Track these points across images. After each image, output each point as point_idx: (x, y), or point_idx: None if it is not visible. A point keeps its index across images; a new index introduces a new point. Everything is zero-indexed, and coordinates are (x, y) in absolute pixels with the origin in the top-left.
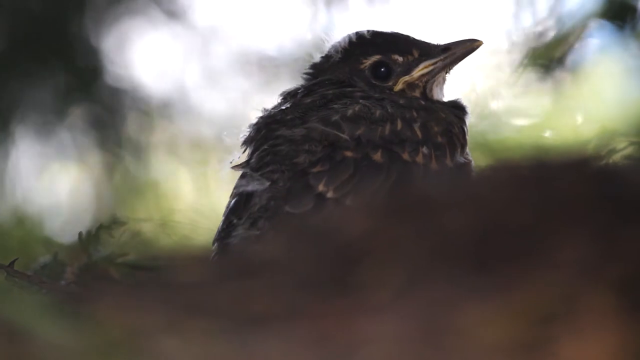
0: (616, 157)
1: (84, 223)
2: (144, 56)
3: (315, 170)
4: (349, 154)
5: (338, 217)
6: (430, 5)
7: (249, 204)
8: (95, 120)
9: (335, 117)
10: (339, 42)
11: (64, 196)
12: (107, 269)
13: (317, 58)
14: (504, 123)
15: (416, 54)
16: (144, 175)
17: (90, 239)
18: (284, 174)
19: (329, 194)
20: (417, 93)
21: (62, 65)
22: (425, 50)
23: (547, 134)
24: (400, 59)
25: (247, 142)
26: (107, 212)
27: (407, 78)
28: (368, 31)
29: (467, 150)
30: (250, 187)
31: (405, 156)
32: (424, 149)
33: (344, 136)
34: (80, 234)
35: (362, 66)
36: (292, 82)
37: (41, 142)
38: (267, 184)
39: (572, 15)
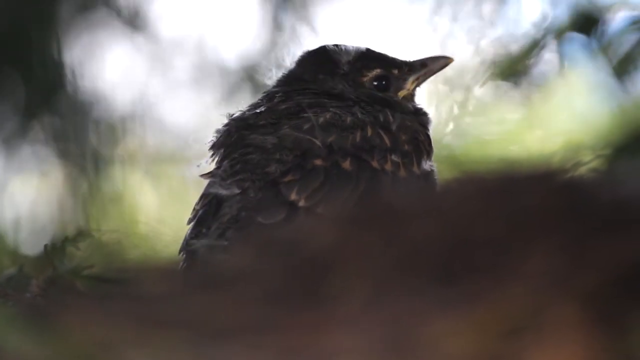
0: (582, 170)
1: (49, 236)
2: (107, 69)
3: (286, 179)
4: (319, 162)
5: (306, 229)
6: (395, 17)
7: (219, 213)
8: (59, 133)
9: (307, 125)
10: (344, 53)
11: (29, 209)
12: (72, 281)
13: (290, 65)
14: (470, 136)
15: (405, 69)
16: (108, 187)
17: (55, 251)
18: (255, 184)
19: (301, 203)
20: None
21: (24, 78)
22: (410, 65)
23: (514, 146)
24: (397, 72)
25: (216, 147)
26: (72, 224)
27: (405, 92)
28: (366, 48)
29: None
30: (220, 190)
31: (375, 164)
32: (393, 157)
33: (317, 142)
34: (45, 246)
35: (364, 79)
36: (254, 93)
37: (4, 155)
38: (237, 191)
39: (539, 28)
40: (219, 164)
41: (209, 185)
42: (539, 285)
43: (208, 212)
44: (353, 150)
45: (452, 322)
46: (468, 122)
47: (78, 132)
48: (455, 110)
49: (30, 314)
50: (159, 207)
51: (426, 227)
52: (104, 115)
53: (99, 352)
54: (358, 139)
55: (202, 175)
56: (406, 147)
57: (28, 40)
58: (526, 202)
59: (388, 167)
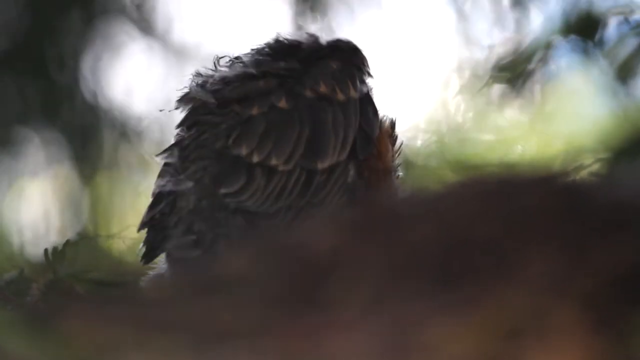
0: (583, 173)
1: (53, 239)
2: (120, 74)
3: (232, 140)
4: (255, 111)
5: (305, 233)
6: (398, 19)
7: (176, 208)
8: (70, 136)
9: (239, 69)
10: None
11: (31, 212)
12: (73, 285)
13: None
14: (471, 139)
15: None
16: (116, 192)
17: (56, 255)
18: (207, 170)
19: (254, 158)
20: None
21: (38, 81)
22: None
23: (515, 149)
24: None
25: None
26: (77, 229)
27: None
28: None
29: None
30: (170, 187)
31: (308, 92)
32: (325, 80)
33: (251, 70)
34: (45, 250)
35: None
36: None
37: (12, 157)
38: (191, 184)
39: (540, 30)
40: (179, 143)
41: (160, 175)
42: (539, 287)
43: (159, 199)
44: (284, 74)
45: (451, 325)
46: (469, 124)
47: (90, 136)
48: (457, 112)
49: (31, 318)
50: None
51: (425, 229)
52: (117, 120)
53: (99, 356)
54: (286, 65)
55: (158, 155)
56: (334, 66)
57: (44, 45)
58: (526, 204)
59: (323, 89)
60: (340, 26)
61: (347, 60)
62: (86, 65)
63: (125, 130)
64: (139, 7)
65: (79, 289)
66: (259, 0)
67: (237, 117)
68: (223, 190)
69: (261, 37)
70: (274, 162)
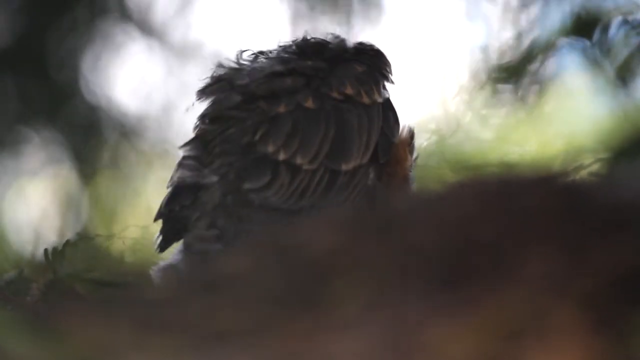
0: (583, 174)
1: (53, 239)
2: (120, 73)
3: (258, 136)
4: (282, 109)
5: (306, 233)
6: (395, 19)
7: (199, 200)
8: (70, 136)
9: (267, 66)
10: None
11: (33, 212)
12: (73, 285)
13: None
14: (471, 139)
15: None
16: (116, 192)
17: (56, 255)
18: (232, 165)
19: (281, 156)
20: None
21: (38, 81)
22: None
23: (514, 150)
24: None
25: (205, 93)
26: (77, 229)
27: None
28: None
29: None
30: (193, 180)
31: (335, 94)
32: (351, 83)
33: (279, 67)
34: (45, 250)
35: None
36: None
37: (12, 157)
38: (215, 178)
39: (540, 31)
40: (201, 134)
41: (179, 166)
42: (539, 287)
43: (179, 190)
44: (311, 73)
45: (451, 325)
46: (469, 125)
47: (90, 136)
48: (457, 112)
49: (31, 318)
50: None
51: (425, 229)
52: (117, 120)
53: (99, 356)
54: (313, 64)
55: (181, 147)
56: (360, 69)
57: (44, 45)
58: (526, 205)
59: (349, 91)
60: (339, 26)
61: (372, 64)
62: (86, 65)
63: (125, 130)
64: (139, 7)
65: (79, 289)
66: (260, 1)
67: (263, 114)
68: (248, 186)
69: (261, 37)
70: (299, 160)
